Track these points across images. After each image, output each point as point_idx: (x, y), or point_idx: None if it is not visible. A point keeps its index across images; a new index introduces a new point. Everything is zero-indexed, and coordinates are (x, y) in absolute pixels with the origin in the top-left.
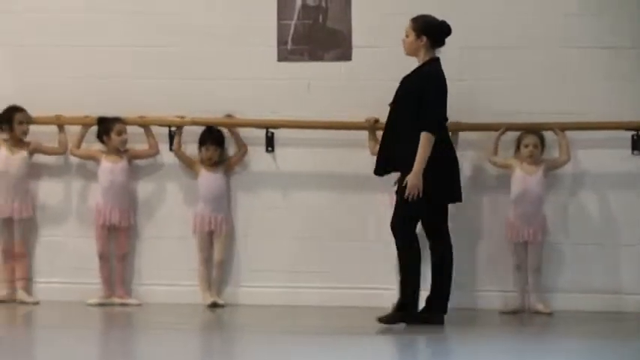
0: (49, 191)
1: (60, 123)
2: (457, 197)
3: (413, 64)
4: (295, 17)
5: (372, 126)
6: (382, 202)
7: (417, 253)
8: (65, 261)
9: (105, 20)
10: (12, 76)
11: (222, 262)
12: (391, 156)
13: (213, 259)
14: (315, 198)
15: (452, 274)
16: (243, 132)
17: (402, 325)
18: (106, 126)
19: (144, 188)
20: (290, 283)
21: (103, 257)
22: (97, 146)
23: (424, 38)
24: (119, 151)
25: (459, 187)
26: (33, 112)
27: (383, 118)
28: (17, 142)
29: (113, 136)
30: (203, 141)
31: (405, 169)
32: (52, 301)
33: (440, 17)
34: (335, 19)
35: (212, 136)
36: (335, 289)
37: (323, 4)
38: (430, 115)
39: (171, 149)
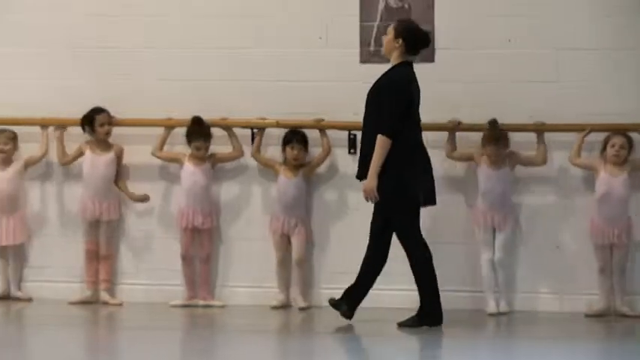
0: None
1: (148, 124)
2: (431, 200)
3: (495, 66)
4: (378, 19)
5: (454, 128)
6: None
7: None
8: (149, 263)
9: (191, 24)
10: (97, 79)
11: (301, 264)
12: (365, 161)
13: (291, 260)
14: None
15: (370, 278)
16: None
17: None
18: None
19: (227, 190)
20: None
21: (186, 259)
22: (181, 149)
23: (400, 41)
24: (202, 155)
25: (433, 191)
26: (119, 114)
27: (465, 119)
28: (101, 143)
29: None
30: (288, 141)
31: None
32: (135, 303)
33: (529, 18)
34: (418, 20)
35: (297, 136)
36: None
37: (406, 5)
38: (385, 118)
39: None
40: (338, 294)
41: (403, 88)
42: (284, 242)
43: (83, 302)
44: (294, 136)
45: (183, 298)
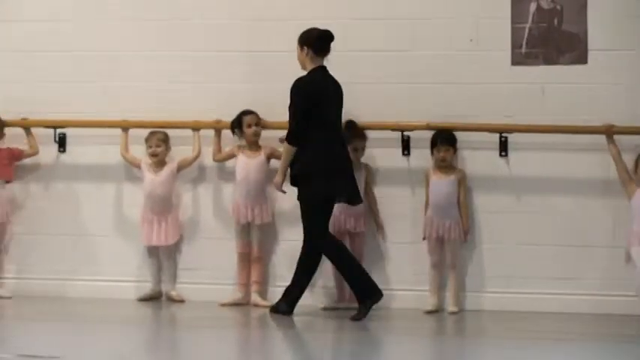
0: (286, 196)
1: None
2: (353, 199)
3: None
4: (530, 20)
5: (608, 131)
6: (621, 206)
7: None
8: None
9: (345, 25)
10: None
11: (454, 268)
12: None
13: (445, 264)
14: (549, 202)
15: (304, 273)
16: (476, 136)
17: None
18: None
19: (382, 193)
20: (525, 289)
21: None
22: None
23: (305, 48)
24: (357, 155)
25: (353, 188)
26: (268, 117)
27: (618, 122)
28: (252, 146)
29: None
30: (435, 142)
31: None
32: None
33: None
34: (570, 21)
35: (444, 136)
36: (572, 296)
37: (558, 6)
38: (290, 126)
39: (404, 153)
40: (489, 298)
41: (309, 94)
42: (438, 245)
43: (234, 304)
44: (441, 138)
45: (335, 301)
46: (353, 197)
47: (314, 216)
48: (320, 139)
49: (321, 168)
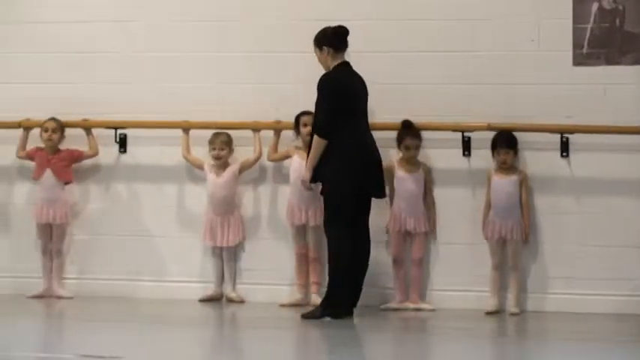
0: None
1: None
2: (377, 193)
3: None
4: (591, 21)
5: None
6: None
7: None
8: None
9: (407, 27)
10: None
11: (515, 269)
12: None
13: (506, 265)
14: (611, 203)
15: (337, 271)
16: (537, 136)
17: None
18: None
19: (441, 193)
20: (586, 290)
21: (398, 262)
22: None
23: (325, 49)
24: (412, 154)
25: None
26: None
27: None
28: (308, 146)
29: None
30: (496, 145)
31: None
32: None
33: None
34: (632, 21)
35: (504, 139)
36: (634, 297)
37: (620, 7)
38: (318, 119)
39: (464, 154)
40: (550, 299)
41: (336, 88)
42: (500, 246)
43: (294, 305)
44: (503, 141)
45: (395, 301)
46: (378, 191)
47: (340, 211)
48: (349, 133)
49: (352, 163)
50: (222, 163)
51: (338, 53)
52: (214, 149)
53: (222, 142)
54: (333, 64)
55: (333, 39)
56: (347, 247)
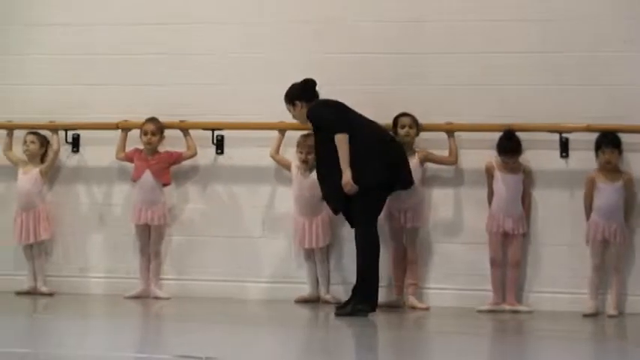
0: (440, 200)
1: (451, 129)
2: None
3: None
4: None
5: None
6: None
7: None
8: (456, 268)
9: (488, 27)
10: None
11: (617, 271)
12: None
13: (605, 268)
14: None
15: (365, 264)
16: (636, 137)
17: None
18: None
19: (539, 195)
20: None
21: (495, 263)
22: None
23: (298, 103)
24: (513, 165)
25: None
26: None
27: None
28: (406, 148)
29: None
30: (600, 145)
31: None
32: (442, 307)
33: None
34: None
35: (609, 139)
36: None
37: None
38: (327, 125)
39: (562, 155)
40: None
41: (326, 104)
42: (601, 248)
43: (390, 306)
44: (608, 141)
45: (491, 303)
46: (405, 183)
47: (369, 205)
48: (361, 133)
49: (376, 158)
50: (309, 167)
51: (310, 103)
52: (301, 152)
53: (310, 146)
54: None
55: (302, 93)
56: (375, 241)
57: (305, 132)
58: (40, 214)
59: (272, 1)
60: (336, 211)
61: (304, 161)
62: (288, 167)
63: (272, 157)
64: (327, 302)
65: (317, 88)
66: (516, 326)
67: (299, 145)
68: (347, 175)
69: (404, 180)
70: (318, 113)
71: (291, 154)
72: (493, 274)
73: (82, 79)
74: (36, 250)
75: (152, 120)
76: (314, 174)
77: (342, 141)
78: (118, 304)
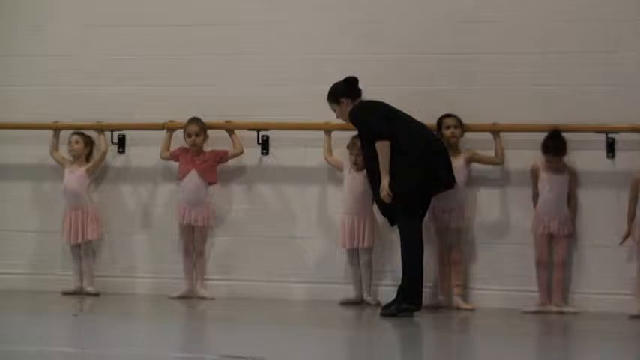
0: (485, 201)
1: (497, 130)
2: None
3: None
4: None
5: None
6: None
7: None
8: (502, 269)
9: (552, 27)
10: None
11: None
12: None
13: None
14: None
15: (409, 264)
16: None
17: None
18: None
19: (585, 196)
20: None
21: (541, 264)
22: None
23: (344, 100)
24: (557, 166)
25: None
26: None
27: None
28: (451, 149)
29: None
30: None
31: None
32: (488, 308)
33: None
34: None
35: None
36: None
37: None
38: (373, 130)
39: (608, 156)
40: None
41: (370, 108)
42: None
43: (435, 307)
44: None
45: (537, 304)
46: (447, 183)
47: (409, 208)
48: (403, 133)
49: (418, 157)
50: (359, 167)
51: (356, 100)
52: (352, 154)
53: (360, 148)
54: (352, 105)
55: (347, 91)
56: (419, 240)
57: (354, 132)
58: (89, 214)
59: (319, 3)
60: (383, 213)
61: (355, 163)
62: (341, 168)
63: (325, 159)
64: (368, 304)
65: (362, 87)
66: (562, 327)
67: (349, 147)
68: (384, 183)
69: (445, 181)
70: (360, 118)
71: (339, 154)
72: (539, 275)
73: (129, 80)
74: (83, 250)
75: (195, 120)
76: (364, 173)
77: (383, 149)
78: (163, 304)
